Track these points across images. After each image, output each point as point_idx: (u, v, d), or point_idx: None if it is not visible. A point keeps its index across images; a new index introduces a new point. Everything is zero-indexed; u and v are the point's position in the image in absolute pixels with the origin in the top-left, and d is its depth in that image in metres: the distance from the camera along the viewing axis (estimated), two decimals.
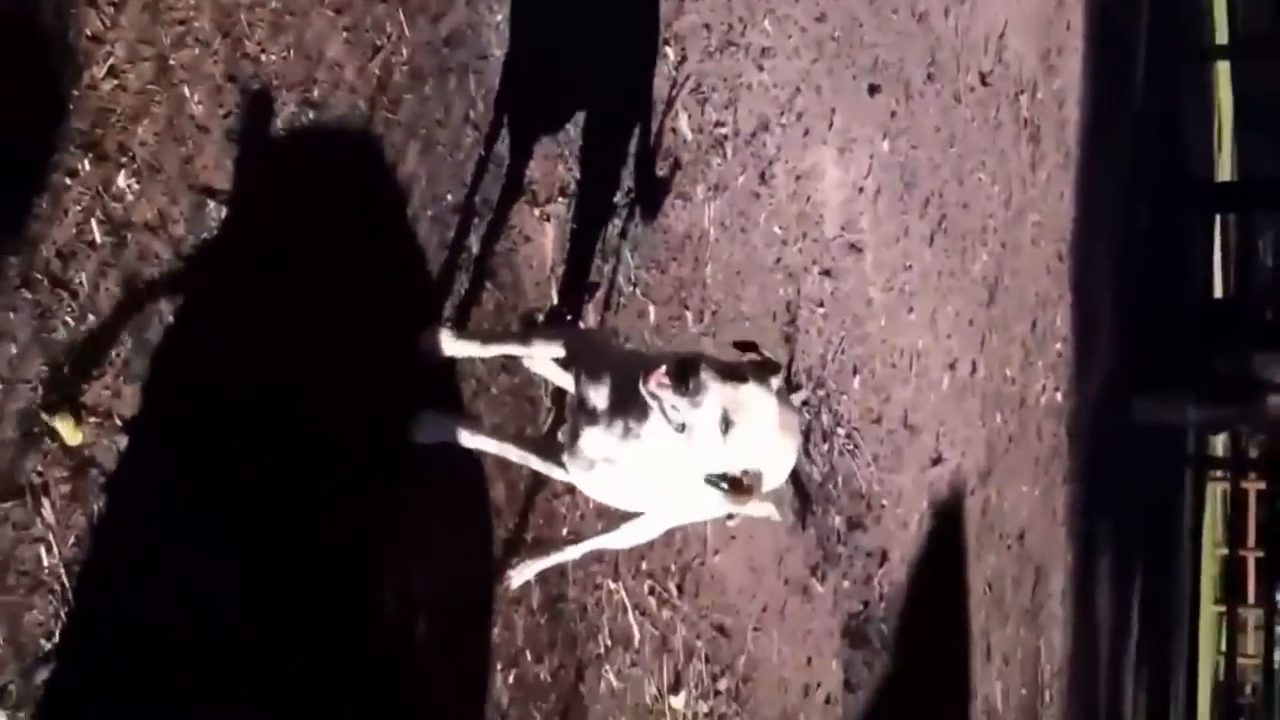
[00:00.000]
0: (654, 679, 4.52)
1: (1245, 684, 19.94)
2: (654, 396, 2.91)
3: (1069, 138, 9.71)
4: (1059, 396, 9.58)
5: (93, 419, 2.71)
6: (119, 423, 2.76)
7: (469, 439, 3.53)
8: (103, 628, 2.71)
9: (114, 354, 2.76)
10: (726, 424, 2.90)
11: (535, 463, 3.56)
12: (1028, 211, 8.74)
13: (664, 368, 2.88)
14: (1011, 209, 8.40)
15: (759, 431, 2.95)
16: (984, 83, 7.83)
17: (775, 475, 3.18)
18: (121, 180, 2.77)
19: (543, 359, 3.66)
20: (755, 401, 2.92)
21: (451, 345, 3.52)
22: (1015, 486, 8.61)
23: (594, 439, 3.18)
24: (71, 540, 2.66)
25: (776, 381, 3.02)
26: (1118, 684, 12.73)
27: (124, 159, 2.77)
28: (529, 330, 3.91)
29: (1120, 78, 11.90)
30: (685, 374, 2.85)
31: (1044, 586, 9.29)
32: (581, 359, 3.35)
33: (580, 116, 4.22)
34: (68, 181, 2.67)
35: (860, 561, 6.20)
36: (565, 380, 3.58)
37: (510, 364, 3.85)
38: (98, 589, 2.70)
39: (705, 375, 2.85)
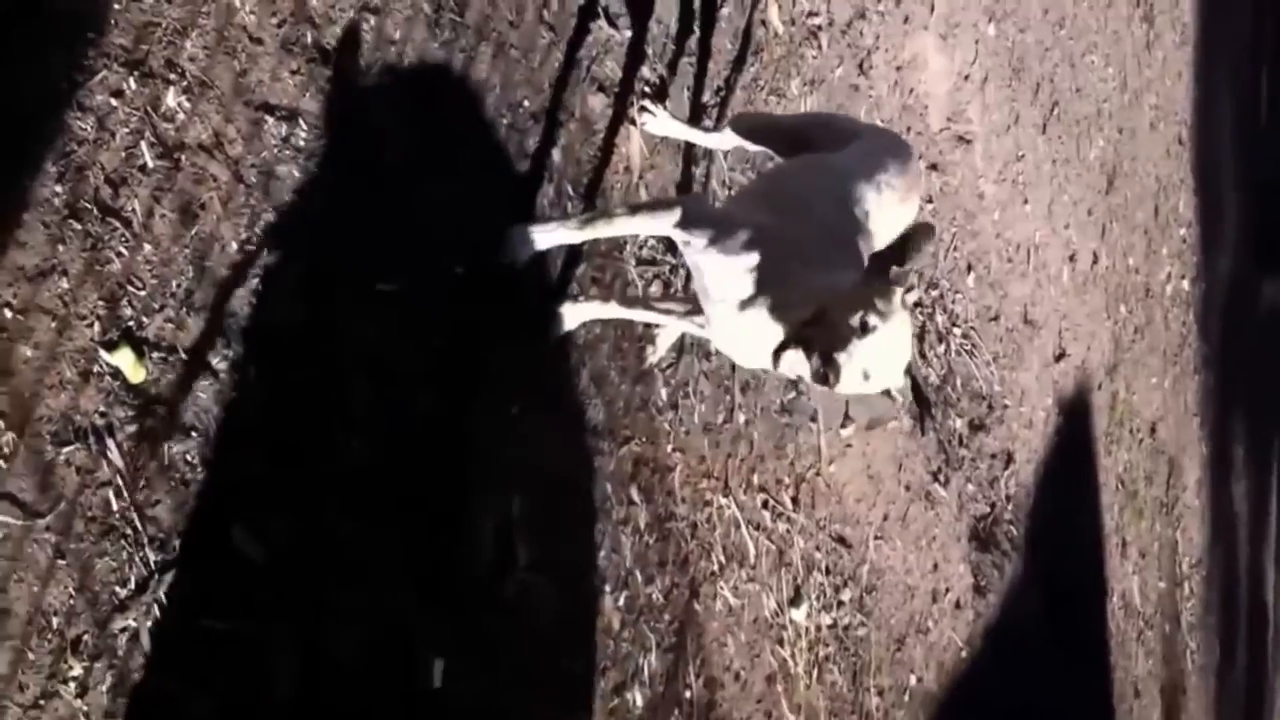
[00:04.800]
0: (772, 594, 4.38)
1: None
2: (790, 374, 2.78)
3: (1184, 14, 9.28)
4: (1185, 284, 9.24)
5: (155, 354, 2.57)
6: (184, 356, 2.63)
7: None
8: (180, 570, 2.59)
9: (174, 284, 2.61)
10: (866, 376, 2.75)
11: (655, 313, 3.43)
12: (1144, 94, 8.37)
13: (798, 352, 2.73)
14: (1127, 92, 8.04)
15: (897, 363, 2.80)
16: None
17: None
18: (171, 99, 2.61)
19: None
20: (893, 341, 2.75)
21: (530, 239, 3.36)
22: (1144, 379, 8.33)
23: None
24: (142, 483, 2.54)
25: (911, 296, 2.84)
26: (1258, 572, 12.43)
27: (172, 76, 2.61)
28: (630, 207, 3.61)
29: None
30: (824, 369, 2.69)
31: (1178, 479, 9.02)
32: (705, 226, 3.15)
33: (662, 12, 4.00)
34: (113, 103, 2.52)
35: (984, 464, 5.99)
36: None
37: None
38: (174, 531, 2.58)
39: (842, 357, 2.68)
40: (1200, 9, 9.65)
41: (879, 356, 2.74)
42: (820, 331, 2.74)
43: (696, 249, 3.06)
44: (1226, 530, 10.63)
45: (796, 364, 2.76)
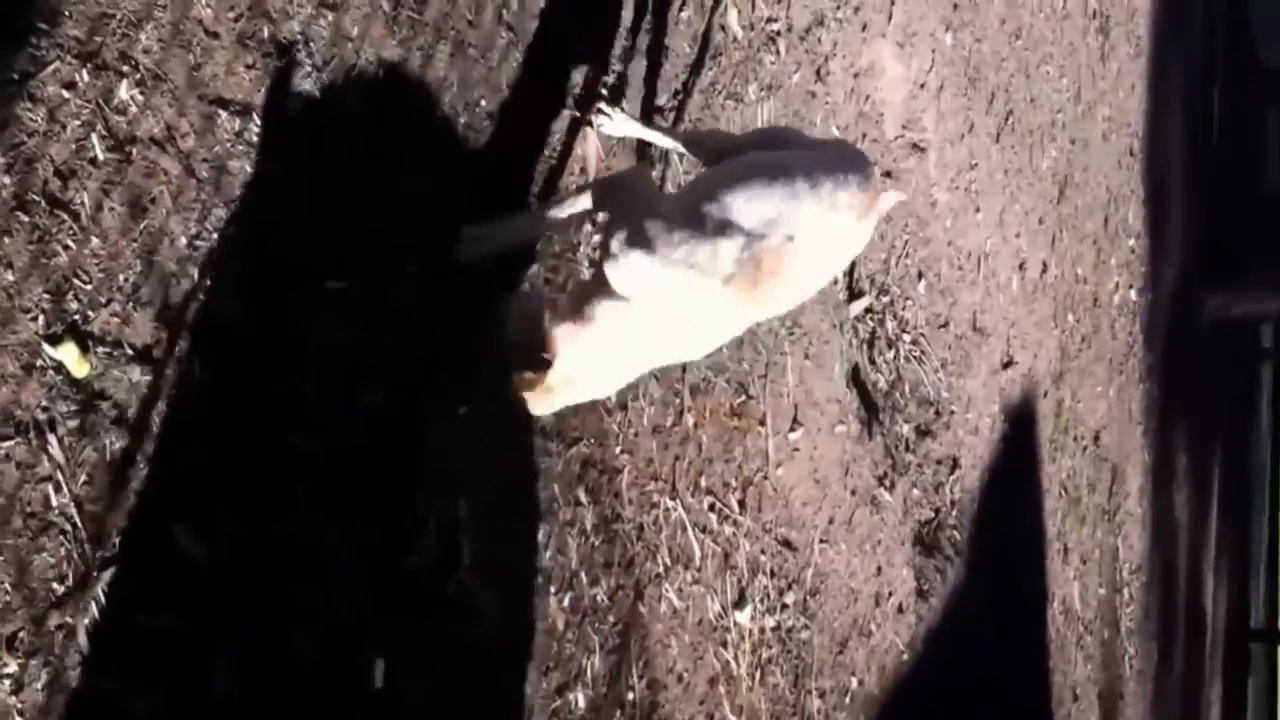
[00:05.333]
0: (717, 596, 4.38)
1: None
2: None
3: (1139, 28, 9.36)
4: (1133, 294, 9.33)
5: (100, 349, 2.54)
6: (130, 352, 2.60)
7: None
8: (119, 567, 2.57)
9: (121, 279, 2.58)
10: None
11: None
12: (1098, 105, 8.43)
13: None
14: (1081, 103, 8.10)
15: None
16: None
17: None
18: (124, 92, 2.58)
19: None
20: None
21: (480, 242, 3.35)
22: (1089, 387, 8.40)
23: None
24: (83, 478, 2.51)
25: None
26: (1197, 580, 12.57)
27: (126, 68, 2.58)
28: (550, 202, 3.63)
29: None
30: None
31: (1121, 486, 9.11)
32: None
33: (622, 15, 3.99)
34: (65, 94, 2.49)
35: (930, 469, 6.02)
36: None
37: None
38: (114, 528, 2.55)
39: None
40: (1155, 23, 9.73)
41: None
42: None
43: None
44: (1167, 537, 10.74)
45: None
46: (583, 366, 3.11)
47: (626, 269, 3.03)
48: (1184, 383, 11.06)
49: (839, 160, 3.33)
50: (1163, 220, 10.15)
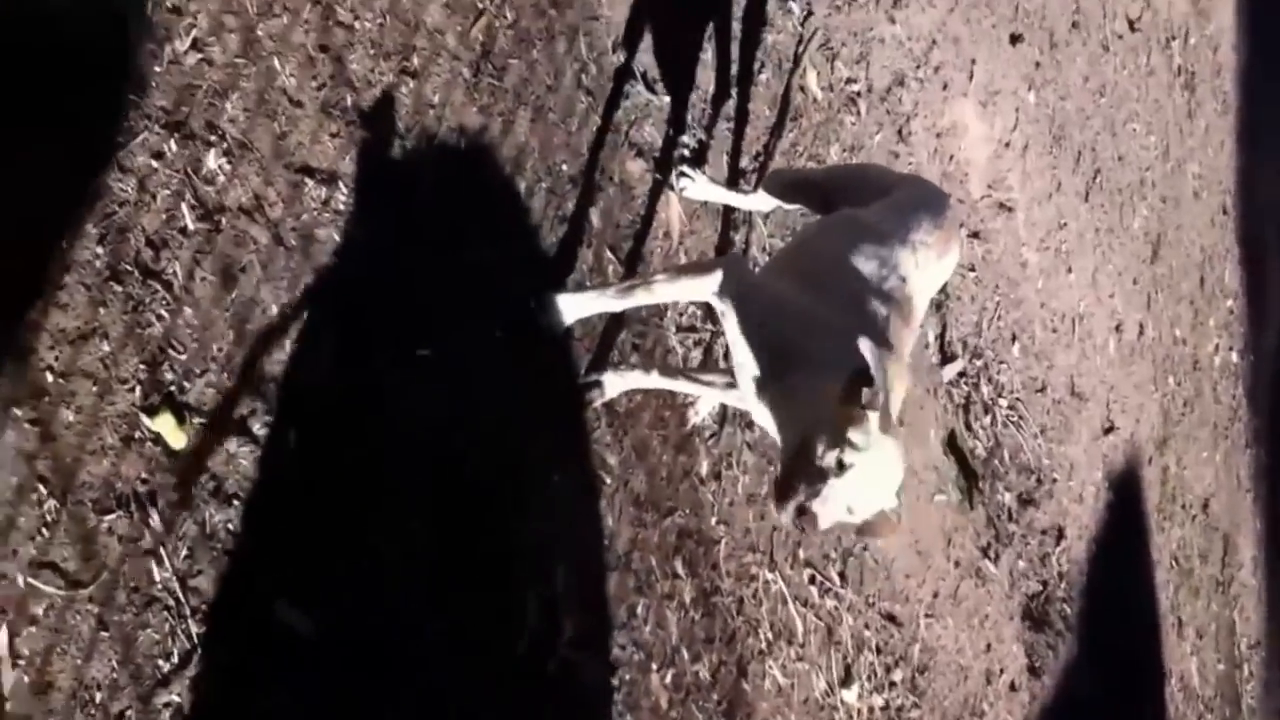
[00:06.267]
0: (822, 673, 4.27)
1: None
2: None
3: (1225, 84, 9.24)
4: (1234, 356, 9.12)
5: (197, 419, 2.53)
6: (225, 422, 2.58)
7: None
8: (228, 643, 2.53)
9: (214, 348, 2.57)
10: (850, 511, 2.68)
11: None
12: (1187, 162, 8.31)
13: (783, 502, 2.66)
14: (1170, 160, 7.98)
15: (885, 490, 2.72)
16: (1132, 29, 7.44)
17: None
18: (212, 161, 2.59)
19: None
20: (875, 471, 2.67)
21: (569, 307, 3.31)
22: (1195, 453, 8.19)
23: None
24: (184, 552, 2.48)
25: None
26: None
27: (213, 138, 2.60)
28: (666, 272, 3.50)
29: (1275, 16, 11.34)
30: (799, 523, 2.64)
31: (1233, 556, 8.85)
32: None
33: (702, 78, 3.98)
34: (154, 164, 2.51)
35: (1035, 539, 5.87)
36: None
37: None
38: (219, 602, 2.52)
39: (816, 504, 2.62)
40: (1241, 78, 9.60)
41: (860, 490, 2.65)
42: (800, 467, 2.65)
43: (730, 321, 3.00)
44: None
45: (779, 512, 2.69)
46: None
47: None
48: None
49: (912, 201, 3.28)
50: (1260, 280, 9.95)
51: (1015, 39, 6.00)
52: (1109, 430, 6.83)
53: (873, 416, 2.64)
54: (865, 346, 2.60)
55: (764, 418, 3.01)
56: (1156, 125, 7.78)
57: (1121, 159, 7.17)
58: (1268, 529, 9.75)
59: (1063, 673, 5.93)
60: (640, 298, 3.27)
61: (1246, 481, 9.33)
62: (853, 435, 2.62)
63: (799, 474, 2.63)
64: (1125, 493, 7.01)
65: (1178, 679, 7.61)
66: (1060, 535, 6.12)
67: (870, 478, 2.65)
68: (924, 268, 3.14)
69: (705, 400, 3.75)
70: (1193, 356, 8.25)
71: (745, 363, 2.94)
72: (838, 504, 2.64)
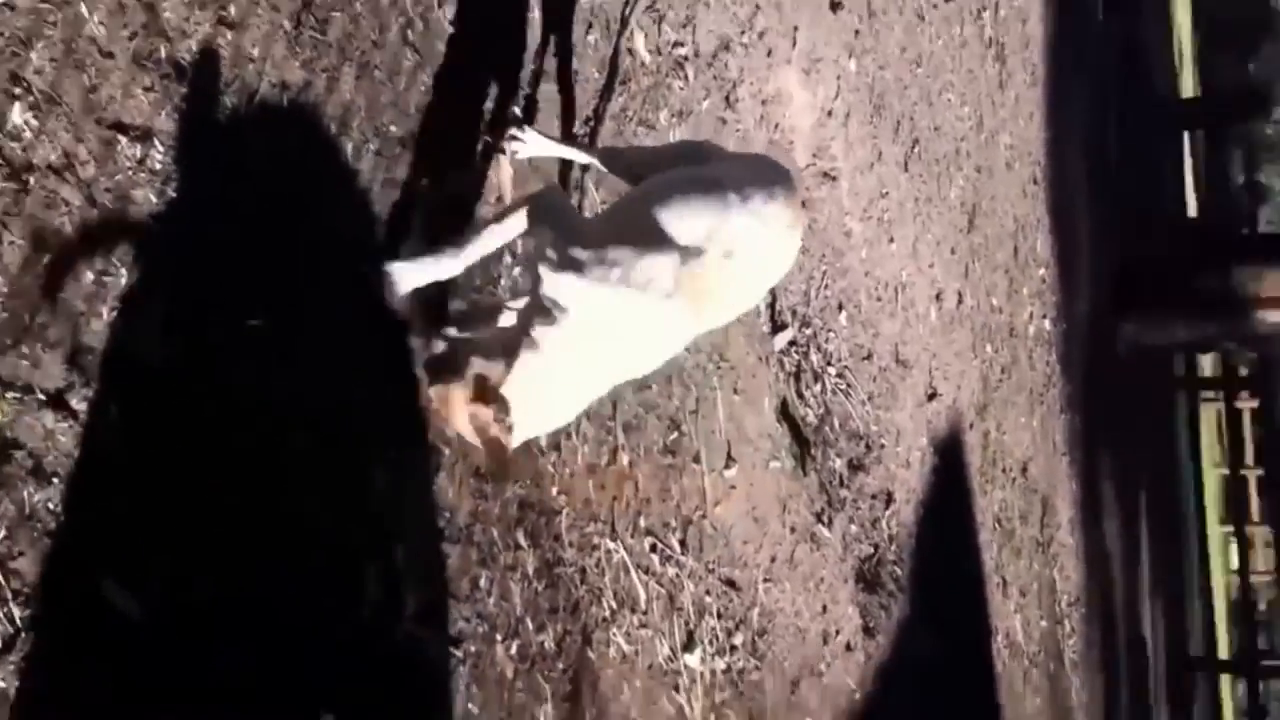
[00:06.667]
0: (665, 639, 4.26)
1: (1258, 600, 19.96)
2: None
3: (1034, 55, 9.50)
4: (1047, 324, 9.38)
5: (10, 394, 2.38)
6: (42, 397, 2.43)
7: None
8: (47, 628, 2.38)
9: (26, 318, 2.42)
10: None
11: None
12: (1000, 133, 8.51)
13: None
14: (984, 131, 8.16)
15: None
16: None
17: None
18: (17, 115, 2.43)
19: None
20: None
21: (407, 275, 3.23)
22: (1013, 418, 8.41)
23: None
24: (2, 534, 2.33)
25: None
26: (1134, 609, 12.62)
27: (18, 90, 2.43)
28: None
29: None
30: None
31: (1052, 517, 9.12)
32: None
33: (529, 38, 3.91)
34: None
35: (865, 504, 5.96)
36: None
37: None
38: (36, 586, 2.37)
39: None
40: (1050, 51, 9.87)
41: None
42: None
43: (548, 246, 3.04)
44: (1101, 568, 10.76)
45: None
46: (536, 393, 3.01)
47: (562, 293, 2.94)
48: (1105, 412, 11.14)
49: (764, 172, 3.29)
50: (1071, 249, 10.25)
51: (835, 6, 6.05)
52: (932, 396, 6.97)
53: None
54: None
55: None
56: (970, 96, 7.94)
57: (938, 129, 7.30)
58: (1083, 490, 10.07)
59: (896, 632, 6.04)
60: (474, 250, 3.24)
61: (1062, 445, 9.62)
62: None
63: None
64: (949, 457, 7.17)
65: (1004, 636, 7.81)
66: (889, 499, 6.22)
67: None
68: (768, 240, 3.11)
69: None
70: (1009, 324, 8.46)
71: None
72: None
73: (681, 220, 3.00)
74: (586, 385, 3.12)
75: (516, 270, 3.69)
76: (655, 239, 2.97)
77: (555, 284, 2.97)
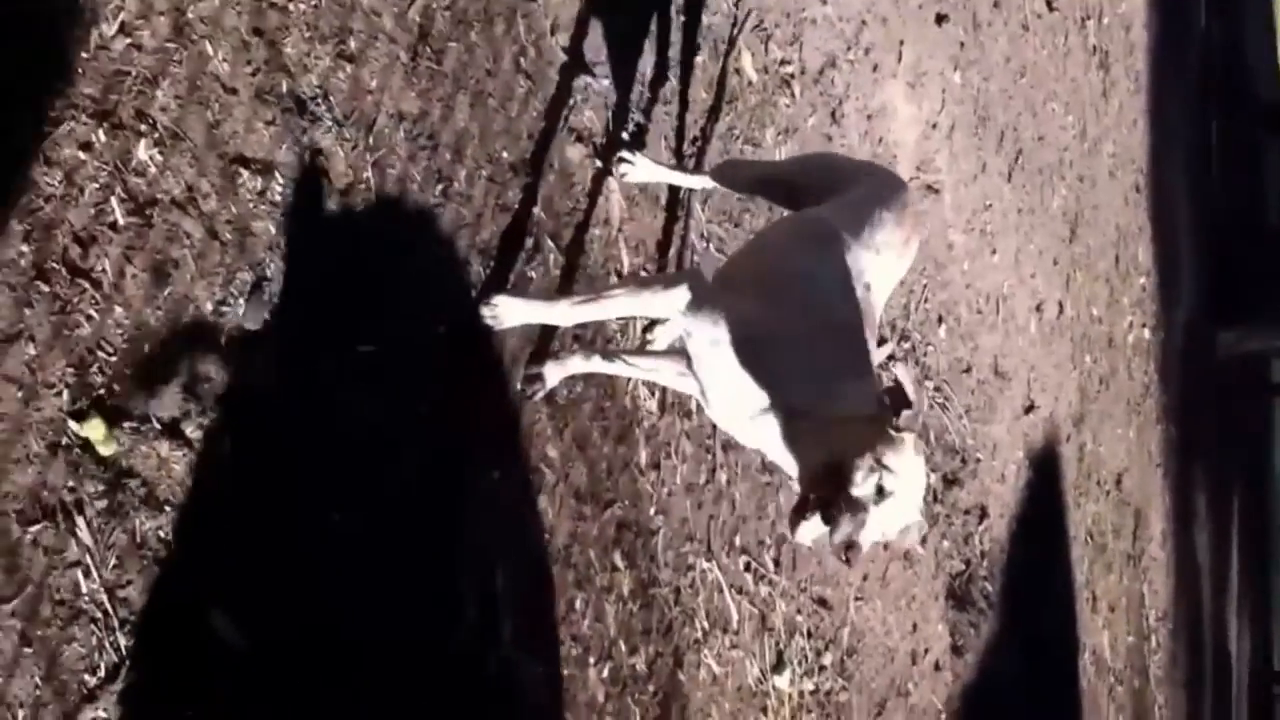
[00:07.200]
0: (756, 660, 4.24)
1: None
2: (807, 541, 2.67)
3: (1138, 62, 9.32)
4: (1146, 333, 9.23)
5: (127, 424, 2.40)
6: (157, 426, 2.45)
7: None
8: (157, 657, 2.41)
9: (146, 348, 2.44)
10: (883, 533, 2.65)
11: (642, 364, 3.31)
12: (1103, 141, 8.37)
13: (816, 520, 2.58)
14: (1087, 140, 8.03)
15: (914, 506, 2.67)
16: (1050, 8, 7.46)
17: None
18: (142, 151, 2.45)
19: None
20: (909, 493, 2.62)
21: (515, 311, 3.21)
22: (1109, 429, 8.28)
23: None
24: (113, 562, 2.36)
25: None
26: (1221, 624, 12.42)
27: (143, 127, 2.45)
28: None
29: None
30: (847, 555, 2.57)
31: (1144, 530, 8.97)
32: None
33: (639, 61, 3.89)
34: (81, 156, 2.36)
35: (959, 519, 5.89)
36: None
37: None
38: (149, 614, 2.40)
39: (863, 535, 2.56)
40: (1153, 58, 9.70)
41: (897, 512, 2.63)
42: (835, 494, 2.57)
43: (700, 341, 2.92)
44: (1190, 582, 10.59)
45: (817, 532, 2.61)
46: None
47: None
48: (1200, 422, 10.95)
49: (873, 199, 3.23)
50: (1172, 257, 10.08)
51: (941, 19, 5.97)
52: (1029, 409, 6.87)
53: (909, 439, 2.61)
54: (902, 372, 2.60)
55: (747, 437, 2.96)
56: (1074, 105, 7.81)
57: (1042, 139, 7.19)
58: (1176, 503, 9.91)
59: (984, 650, 5.97)
60: (592, 313, 3.19)
61: (1157, 456, 9.46)
62: (890, 460, 2.57)
63: (837, 504, 2.55)
64: (1044, 470, 7.07)
65: (1090, 652, 7.70)
66: (983, 514, 6.14)
67: (906, 498, 2.61)
68: (886, 268, 3.10)
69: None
70: (1108, 334, 8.33)
71: (728, 387, 2.88)
72: (877, 529, 2.59)
73: (824, 269, 2.99)
74: None
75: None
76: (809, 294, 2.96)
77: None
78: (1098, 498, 8.02)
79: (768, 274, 3.07)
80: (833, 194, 3.23)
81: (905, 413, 2.58)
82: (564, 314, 3.22)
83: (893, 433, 2.61)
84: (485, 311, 3.17)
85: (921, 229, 3.21)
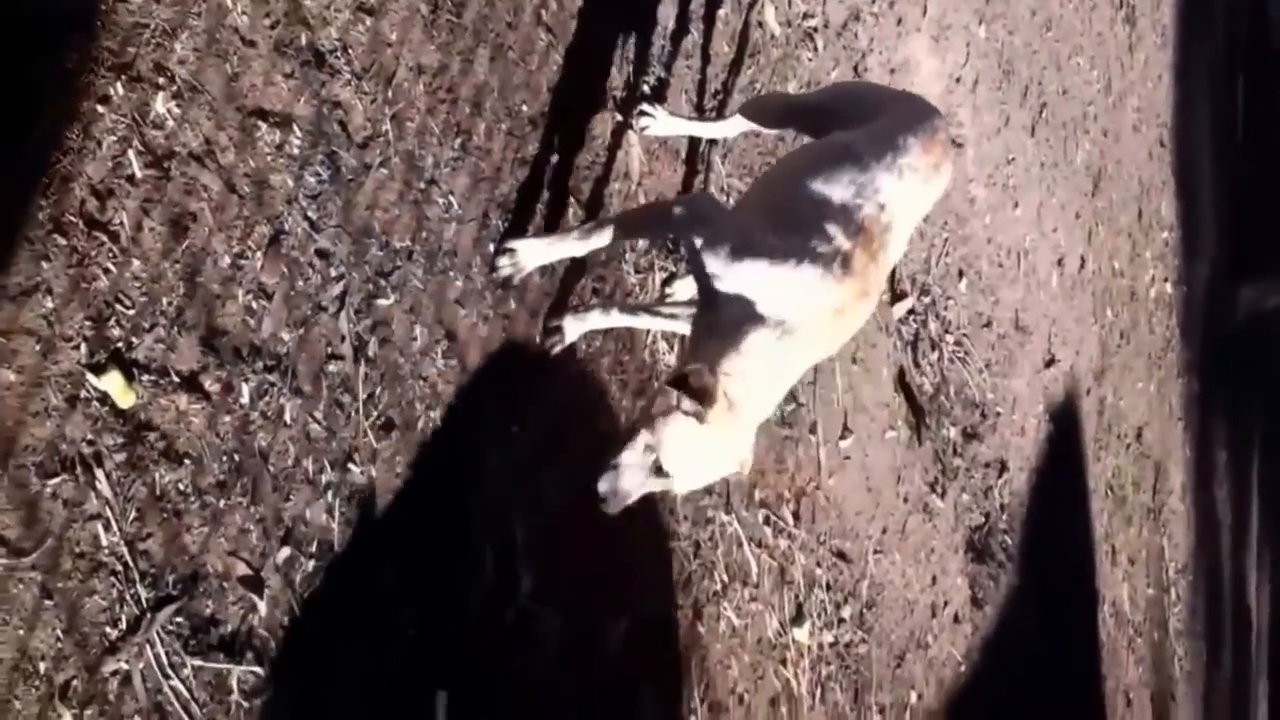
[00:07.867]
0: (775, 613, 4.24)
1: None
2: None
3: (1164, 16, 9.22)
4: (1168, 287, 9.18)
5: (145, 377, 2.41)
6: (176, 379, 2.46)
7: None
8: (173, 610, 2.42)
9: (164, 302, 2.44)
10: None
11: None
12: (1127, 96, 8.29)
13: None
14: (1111, 94, 7.96)
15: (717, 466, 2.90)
16: None
17: None
18: (160, 105, 2.44)
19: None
20: (675, 454, 2.80)
21: (532, 253, 3.21)
22: (1130, 383, 8.25)
23: None
24: (132, 515, 2.37)
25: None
26: (1241, 577, 12.39)
27: (161, 80, 2.44)
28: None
29: None
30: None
31: (1164, 483, 8.95)
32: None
33: (661, 14, 3.86)
34: (99, 109, 2.36)
35: (979, 473, 5.88)
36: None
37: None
38: (168, 566, 2.41)
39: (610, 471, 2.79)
40: (1179, 12, 9.60)
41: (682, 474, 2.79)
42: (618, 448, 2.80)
43: (690, 249, 2.95)
44: (1210, 535, 10.58)
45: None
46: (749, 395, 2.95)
47: (744, 283, 2.88)
48: (1221, 377, 10.90)
49: (900, 124, 3.18)
50: (1194, 212, 10.01)
51: None
52: (1050, 363, 6.84)
53: (680, 421, 2.71)
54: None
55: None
56: (1099, 59, 7.74)
57: (1066, 93, 7.13)
58: (1196, 456, 9.88)
59: (1003, 603, 5.97)
60: (603, 238, 3.18)
61: (1178, 410, 9.43)
62: (656, 435, 2.74)
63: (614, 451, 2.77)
64: (1064, 424, 7.05)
65: (1110, 605, 7.70)
66: (1003, 468, 6.14)
67: (690, 464, 2.78)
68: (910, 192, 3.04)
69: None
70: (1130, 288, 8.29)
71: (705, 292, 2.92)
72: (647, 485, 2.78)
73: (828, 185, 2.96)
74: (789, 376, 3.06)
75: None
76: (816, 206, 2.93)
77: (735, 276, 2.88)
78: (1118, 451, 8.00)
79: (774, 190, 3.09)
80: (863, 122, 3.20)
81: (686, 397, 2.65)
82: (575, 244, 3.21)
83: (680, 411, 2.72)
84: (503, 261, 3.17)
85: (949, 158, 3.16)
